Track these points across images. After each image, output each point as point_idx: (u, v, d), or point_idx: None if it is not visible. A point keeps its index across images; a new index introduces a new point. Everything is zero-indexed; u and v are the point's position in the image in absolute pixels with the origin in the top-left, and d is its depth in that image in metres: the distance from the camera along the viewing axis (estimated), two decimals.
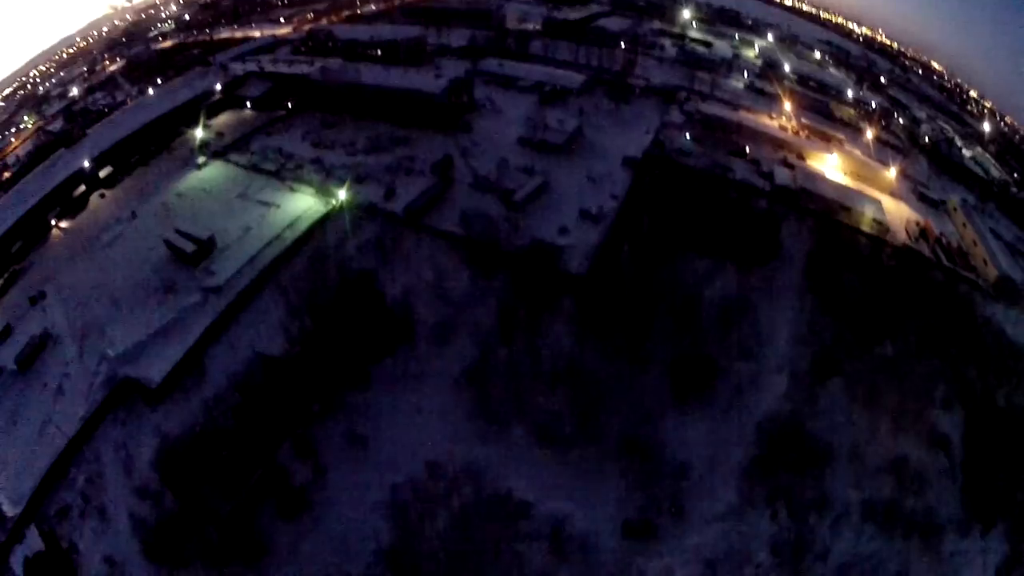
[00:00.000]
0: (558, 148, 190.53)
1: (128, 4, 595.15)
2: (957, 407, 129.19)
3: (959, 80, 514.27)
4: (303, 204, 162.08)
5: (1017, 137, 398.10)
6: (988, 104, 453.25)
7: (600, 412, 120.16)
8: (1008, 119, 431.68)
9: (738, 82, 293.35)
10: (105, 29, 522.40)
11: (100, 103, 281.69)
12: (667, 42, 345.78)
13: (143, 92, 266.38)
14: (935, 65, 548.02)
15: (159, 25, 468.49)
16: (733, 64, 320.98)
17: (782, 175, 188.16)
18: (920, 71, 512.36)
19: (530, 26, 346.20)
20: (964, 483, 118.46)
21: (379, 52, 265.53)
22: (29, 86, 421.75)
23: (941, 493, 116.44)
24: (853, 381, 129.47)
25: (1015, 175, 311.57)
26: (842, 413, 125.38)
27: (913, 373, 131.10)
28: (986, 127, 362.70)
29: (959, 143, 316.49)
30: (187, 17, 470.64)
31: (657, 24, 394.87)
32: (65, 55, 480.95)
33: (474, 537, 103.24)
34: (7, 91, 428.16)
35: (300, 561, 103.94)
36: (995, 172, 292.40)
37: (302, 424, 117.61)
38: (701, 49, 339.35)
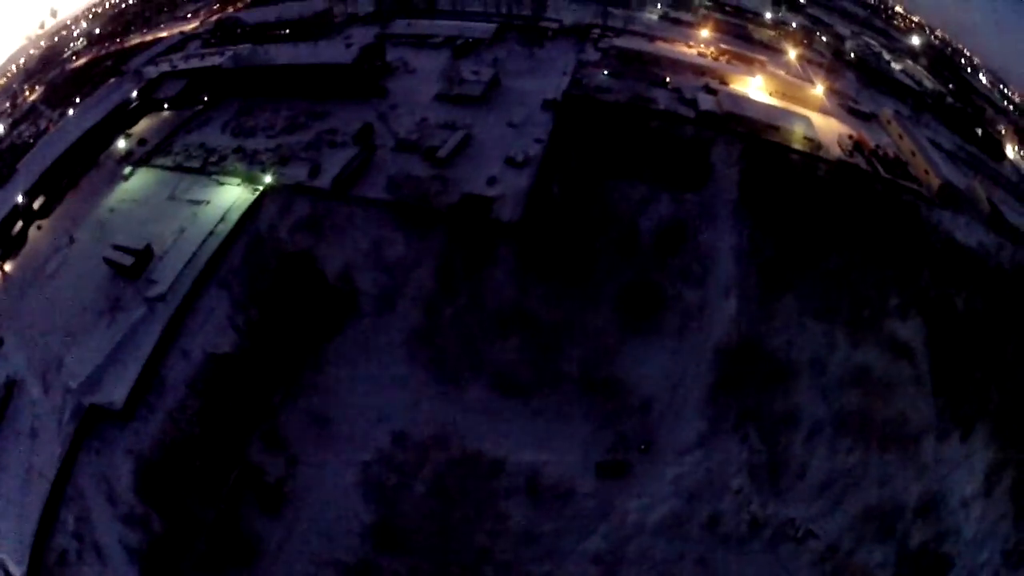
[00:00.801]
0: (476, 99, 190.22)
1: (41, 31, 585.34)
2: (914, 314, 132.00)
3: None
4: (231, 195, 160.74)
5: (949, 50, 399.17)
6: (916, 19, 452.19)
7: (555, 355, 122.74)
8: (939, 32, 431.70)
9: (652, 14, 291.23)
10: (22, 60, 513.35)
11: (25, 135, 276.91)
12: None
13: (64, 114, 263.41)
14: None
15: (72, 44, 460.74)
16: None
17: (706, 101, 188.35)
18: None
19: None
20: (934, 389, 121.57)
21: (288, 31, 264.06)
22: None
23: (912, 401, 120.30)
24: (804, 296, 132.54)
25: (949, 86, 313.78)
26: (797, 328, 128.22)
27: (863, 283, 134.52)
28: (915, 40, 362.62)
29: (888, 57, 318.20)
30: (98, 31, 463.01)
31: None
32: None
33: (453, 501, 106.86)
34: None
35: (290, 555, 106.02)
36: (928, 83, 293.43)
37: (267, 417, 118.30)
38: None
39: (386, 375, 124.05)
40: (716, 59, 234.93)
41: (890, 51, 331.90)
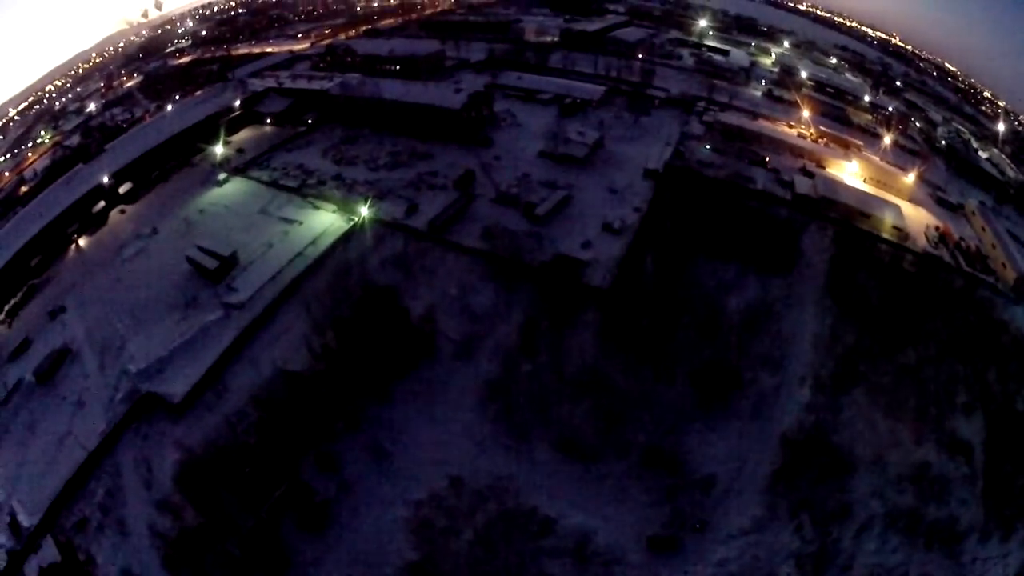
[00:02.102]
0: (579, 161, 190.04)
1: (144, 20, 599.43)
2: (978, 413, 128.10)
3: (973, 80, 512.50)
4: (325, 221, 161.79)
5: None
6: (1002, 104, 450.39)
7: (623, 425, 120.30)
8: (1023, 119, 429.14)
9: (756, 90, 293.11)
10: (121, 44, 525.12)
11: (118, 118, 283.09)
12: (685, 51, 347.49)
13: (161, 108, 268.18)
14: (949, 66, 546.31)
15: (176, 41, 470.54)
16: (751, 72, 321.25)
17: (802, 184, 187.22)
18: (935, 73, 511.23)
19: (548, 38, 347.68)
20: (985, 488, 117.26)
21: (398, 67, 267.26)
22: (45, 101, 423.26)
23: (962, 500, 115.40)
24: (875, 389, 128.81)
25: None
26: (864, 422, 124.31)
27: (934, 379, 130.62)
28: (1000, 127, 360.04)
29: (975, 144, 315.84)
30: (204, 33, 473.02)
31: (674, 33, 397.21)
32: (81, 70, 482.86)
33: (498, 554, 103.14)
34: (23, 105, 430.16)
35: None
36: (1011, 173, 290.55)
37: (325, 440, 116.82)
38: (718, 58, 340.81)
39: (453, 420, 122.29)
40: (815, 141, 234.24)
41: (978, 138, 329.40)
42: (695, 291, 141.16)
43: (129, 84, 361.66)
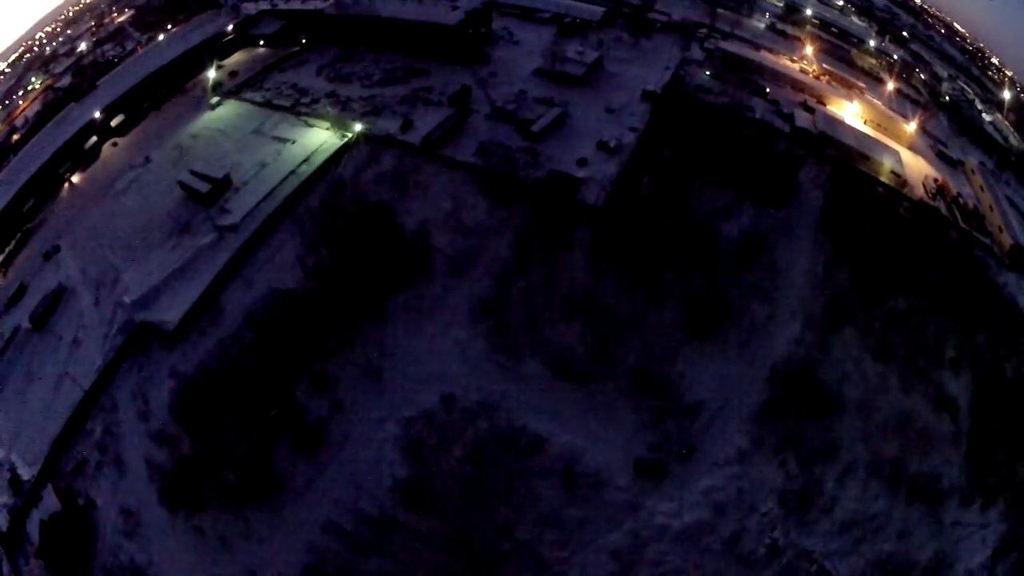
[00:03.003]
0: (577, 80, 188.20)
1: None
2: (966, 371, 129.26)
3: (981, 45, 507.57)
4: (319, 138, 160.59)
5: None
6: (1010, 73, 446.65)
7: (615, 346, 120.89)
8: None
9: (759, 22, 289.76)
10: None
11: (109, 54, 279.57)
12: None
13: (153, 39, 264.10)
14: (958, 27, 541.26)
15: None
16: (755, 4, 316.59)
17: (802, 118, 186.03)
18: (943, 30, 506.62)
19: None
20: (968, 451, 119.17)
21: None
22: (36, 48, 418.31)
23: (946, 458, 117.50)
24: (865, 331, 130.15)
25: None
26: (853, 363, 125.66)
27: (924, 330, 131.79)
28: (1006, 95, 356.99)
29: (980, 106, 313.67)
30: None
31: None
32: (71, 12, 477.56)
33: (487, 472, 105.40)
34: (13, 56, 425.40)
35: (314, 497, 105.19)
36: (1013, 140, 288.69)
37: (318, 359, 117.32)
38: None
39: (446, 337, 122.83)
40: (817, 78, 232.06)
41: (982, 101, 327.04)
42: (690, 216, 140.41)
43: (120, 20, 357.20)
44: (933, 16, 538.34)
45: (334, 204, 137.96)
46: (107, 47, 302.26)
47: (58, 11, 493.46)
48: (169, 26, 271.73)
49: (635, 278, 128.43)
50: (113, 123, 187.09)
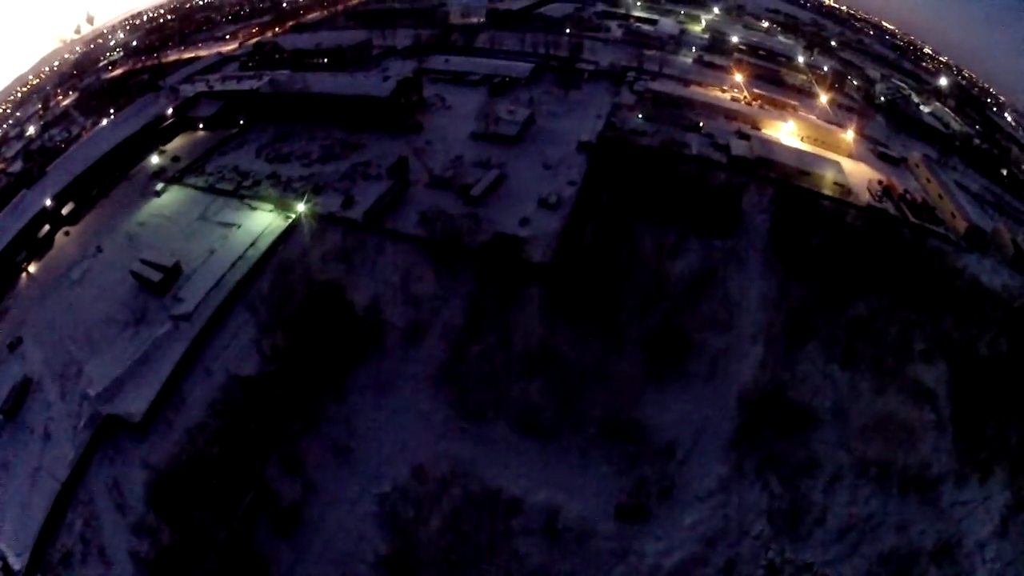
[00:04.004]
0: (511, 139, 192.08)
1: (77, 36, 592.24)
2: (939, 360, 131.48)
3: (912, 38, 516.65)
4: (263, 221, 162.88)
5: (976, 89, 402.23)
6: (944, 59, 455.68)
7: (579, 397, 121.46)
8: (965, 72, 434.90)
9: (687, 57, 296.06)
10: (56, 63, 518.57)
11: (56, 139, 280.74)
12: (613, 23, 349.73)
13: (97, 123, 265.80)
14: (886, 24, 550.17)
15: (108, 54, 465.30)
16: (680, 40, 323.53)
17: (738, 146, 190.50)
18: (871, 32, 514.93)
19: (474, 19, 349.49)
20: (955, 434, 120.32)
21: (326, 60, 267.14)
22: None
23: (933, 446, 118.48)
24: (829, 342, 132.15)
25: (976, 126, 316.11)
26: (822, 375, 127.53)
27: (889, 330, 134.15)
28: (943, 81, 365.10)
29: (916, 99, 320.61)
30: (135, 43, 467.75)
31: (601, 6, 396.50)
32: (20, 94, 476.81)
33: (468, 538, 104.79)
34: None
35: None
36: (955, 125, 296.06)
37: (286, 441, 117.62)
38: (647, 27, 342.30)
39: (409, 409, 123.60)
40: (749, 103, 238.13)
41: (919, 93, 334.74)
42: (638, 258, 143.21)
43: (65, 103, 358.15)
44: (861, 19, 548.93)
45: (284, 286, 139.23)
46: (54, 131, 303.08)
47: (7, 92, 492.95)
48: (111, 110, 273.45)
49: (591, 327, 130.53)
50: (64, 211, 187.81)
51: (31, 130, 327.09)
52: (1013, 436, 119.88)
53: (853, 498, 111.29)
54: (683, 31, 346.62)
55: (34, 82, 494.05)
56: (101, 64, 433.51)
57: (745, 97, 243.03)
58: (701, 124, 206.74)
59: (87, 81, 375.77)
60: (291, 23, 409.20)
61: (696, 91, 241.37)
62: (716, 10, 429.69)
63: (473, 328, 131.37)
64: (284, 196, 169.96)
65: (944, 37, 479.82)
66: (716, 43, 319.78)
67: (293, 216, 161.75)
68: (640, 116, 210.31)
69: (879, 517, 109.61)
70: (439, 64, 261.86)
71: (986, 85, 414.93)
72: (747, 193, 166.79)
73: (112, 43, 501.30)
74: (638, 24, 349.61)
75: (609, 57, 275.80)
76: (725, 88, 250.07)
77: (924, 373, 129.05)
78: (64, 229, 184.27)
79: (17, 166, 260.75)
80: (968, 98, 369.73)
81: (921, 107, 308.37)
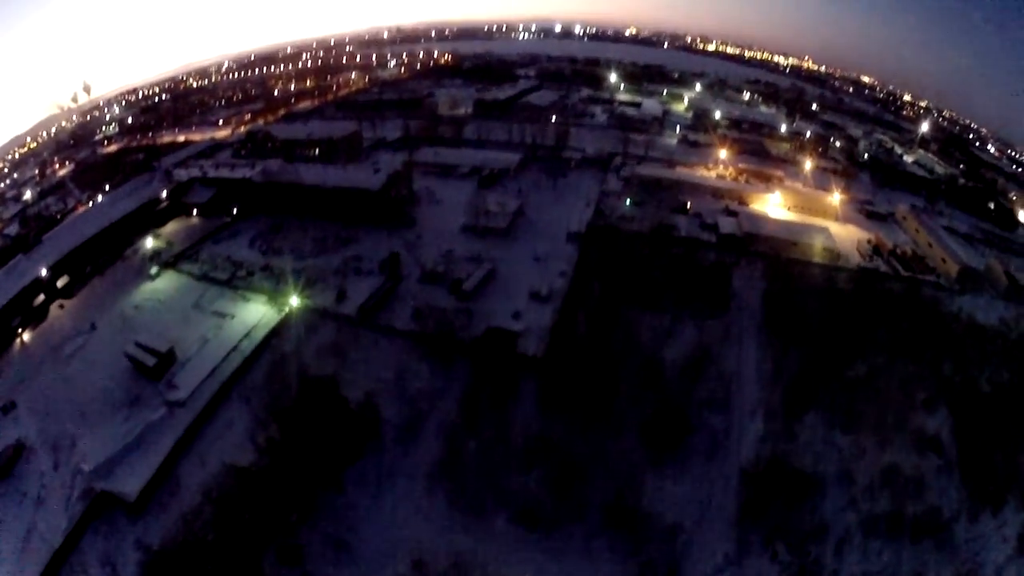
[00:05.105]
0: (501, 232, 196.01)
1: (74, 104, 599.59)
2: (941, 406, 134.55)
3: (891, 88, 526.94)
4: (257, 313, 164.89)
5: (957, 128, 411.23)
6: (923, 103, 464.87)
7: (579, 487, 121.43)
8: (946, 112, 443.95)
9: (671, 138, 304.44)
10: (53, 129, 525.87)
11: (52, 208, 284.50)
12: (597, 109, 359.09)
13: (92, 198, 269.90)
14: (865, 79, 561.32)
15: (103, 128, 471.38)
16: (664, 120, 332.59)
17: (726, 224, 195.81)
18: (851, 89, 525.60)
19: (461, 110, 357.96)
20: (963, 474, 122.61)
21: (316, 150, 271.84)
22: None
23: (941, 490, 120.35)
24: (829, 408, 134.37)
25: (960, 165, 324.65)
26: (822, 441, 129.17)
27: (889, 386, 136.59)
28: (924, 127, 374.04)
29: (899, 150, 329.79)
30: (130, 120, 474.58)
31: (586, 92, 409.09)
32: (16, 155, 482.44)
33: None
34: None
35: None
36: (940, 169, 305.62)
37: (283, 533, 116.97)
38: (631, 110, 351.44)
39: (408, 503, 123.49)
40: (735, 179, 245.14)
41: (901, 144, 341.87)
42: (631, 344, 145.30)
43: (62, 172, 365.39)
44: (839, 77, 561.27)
45: (278, 379, 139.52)
46: (50, 199, 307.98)
47: (4, 150, 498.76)
48: (107, 186, 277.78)
49: (588, 416, 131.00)
50: (59, 283, 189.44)
51: (28, 195, 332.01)
52: (1023, 461, 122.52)
53: (864, 555, 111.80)
54: (667, 111, 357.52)
55: (32, 145, 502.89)
56: (97, 137, 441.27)
57: (731, 173, 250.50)
58: (688, 205, 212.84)
59: (83, 154, 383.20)
60: (282, 111, 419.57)
61: (682, 172, 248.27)
62: (698, 86, 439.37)
63: (469, 423, 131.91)
64: (277, 289, 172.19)
65: (922, 80, 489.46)
66: (700, 120, 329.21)
67: (287, 309, 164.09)
68: (628, 202, 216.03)
69: (893, 568, 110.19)
70: (428, 156, 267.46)
71: (967, 121, 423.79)
72: (737, 269, 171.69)
73: (108, 117, 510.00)
74: (623, 107, 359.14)
75: (595, 143, 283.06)
76: (710, 166, 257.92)
77: (927, 421, 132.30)
78: (59, 301, 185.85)
79: (13, 229, 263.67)
80: (950, 138, 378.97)
81: (904, 157, 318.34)
